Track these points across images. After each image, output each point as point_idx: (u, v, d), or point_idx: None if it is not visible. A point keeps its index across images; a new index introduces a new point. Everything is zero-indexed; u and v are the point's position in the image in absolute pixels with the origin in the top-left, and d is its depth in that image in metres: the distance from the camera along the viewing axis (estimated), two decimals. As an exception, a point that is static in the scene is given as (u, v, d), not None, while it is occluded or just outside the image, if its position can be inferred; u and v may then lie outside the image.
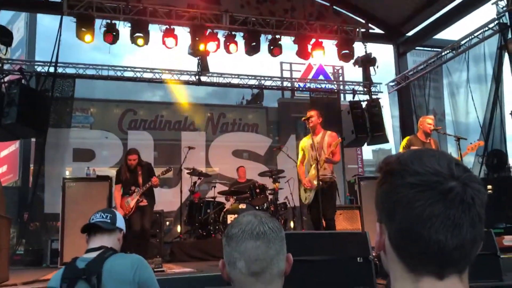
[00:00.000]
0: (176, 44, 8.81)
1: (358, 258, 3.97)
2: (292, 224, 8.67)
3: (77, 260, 2.44)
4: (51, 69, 8.66)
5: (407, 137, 6.86)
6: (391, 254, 0.88)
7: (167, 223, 9.74)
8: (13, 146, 13.25)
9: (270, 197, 8.04)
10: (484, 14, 9.00)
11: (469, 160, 8.88)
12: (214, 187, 8.63)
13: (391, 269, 0.89)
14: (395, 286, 0.89)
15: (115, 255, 2.46)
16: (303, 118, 6.24)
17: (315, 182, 5.81)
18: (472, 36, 9.09)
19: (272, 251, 1.31)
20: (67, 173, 9.73)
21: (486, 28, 8.75)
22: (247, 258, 1.29)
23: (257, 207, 7.53)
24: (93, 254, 2.43)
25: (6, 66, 8.88)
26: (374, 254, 4.04)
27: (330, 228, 5.90)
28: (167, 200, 9.59)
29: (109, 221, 2.57)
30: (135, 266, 2.40)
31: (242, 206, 7.46)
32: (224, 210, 7.74)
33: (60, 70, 9.09)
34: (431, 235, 0.79)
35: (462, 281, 0.84)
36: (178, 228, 8.59)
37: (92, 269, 2.34)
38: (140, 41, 8.43)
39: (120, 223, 2.66)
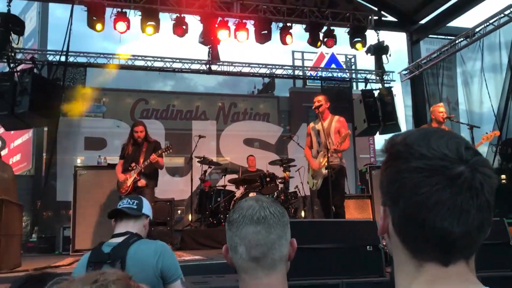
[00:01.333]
0: (186, 33, 8.78)
1: (368, 247, 3.96)
2: (303, 213, 8.66)
3: (103, 245, 2.50)
4: (63, 58, 8.70)
5: (421, 127, 6.78)
6: (395, 239, 0.84)
7: (178, 211, 9.79)
8: (27, 135, 13.39)
9: (280, 186, 8.04)
10: (499, 1, 8.81)
11: (483, 150, 8.77)
12: (225, 175, 8.64)
13: (395, 254, 0.86)
14: (398, 271, 0.86)
15: (140, 241, 2.50)
16: (313, 107, 6.19)
17: (324, 170, 5.79)
18: (487, 23, 8.90)
19: (273, 236, 1.30)
20: (79, 161, 9.80)
21: (502, 15, 8.55)
22: (247, 243, 1.28)
23: (267, 196, 7.52)
24: (119, 239, 2.48)
25: (18, 56, 8.94)
26: (384, 242, 4.02)
27: (339, 216, 5.87)
28: (178, 188, 9.63)
29: (135, 207, 2.62)
30: (158, 252, 2.43)
31: (252, 194, 7.46)
32: (234, 198, 7.76)
33: (71, 59, 9.13)
34: (436, 222, 0.76)
35: (469, 266, 0.81)
36: (189, 217, 8.64)
37: (117, 254, 2.40)
38: (150, 30, 8.42)
39: (147, 209, 2.70)
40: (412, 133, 0.85)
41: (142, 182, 6.19)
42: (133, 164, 6.19)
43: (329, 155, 5.70)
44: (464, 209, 0.76)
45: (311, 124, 6.33)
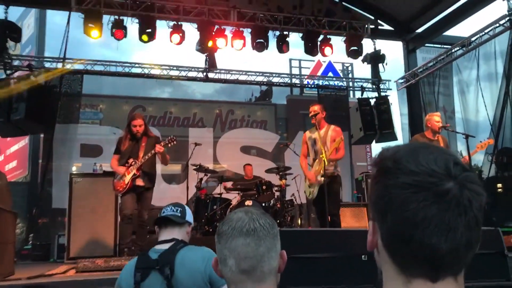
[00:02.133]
0: (183, 40, 8.80)
1: (363, 256, 3.94)
2: (299, 221, 8.64)
3: (149, 251, 2.52)
4: (59, 65, 8.70)
5: (414, 136, 6.79)
6: (383, 254, 0.84)
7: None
8: (23, 142, 13.37)
9: (276, 194, 8.02)
10: (495, 11, 8.88)
11: (479, 159, 8.79)
12: (221, 183, 8.63)
13: (384, 269, 0.86)
14: (386, 286, 0.86)
15: (187, 247, 2.53)
16: (310, 115, 6.20)
17: (319, 178, 5.82)
18: (483, 33, 8.97)
19: (262, 249, 1.29)
20: (75, 168, 9.78)
21: (497, 25, 8.62)
22: (236, 256, 1.28)
23: (263, 204, 7.51)
24: (165, 246, 2.50)
25: (15, 62, 8.94)
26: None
27: (335, 225, 5.87)
28: (174, 196, 9.59)
29: (179, 214, 2.64)
30: (206, 258, 2.44)
31: (249, 202, 7.44)
32: (231, 206, 7.73)
33: (68, 66, 9.13)
34: (424, 239, 0.76)
35: (457, 282, 0.81)
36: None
37: (165, 260, 2.41)
38: (147, 37, 8.43)
39: (189, 217, 2.72)
40: (401, 148, 0.85)
41: (140, 182, 5.75)
42: (130, 160, 5.74)
43: (324, 163, 5.71)
44: (451, 226, 0.75)
45: (307, 133, 6.34)
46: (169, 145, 5.87)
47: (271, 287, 1.32)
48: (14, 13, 10.11)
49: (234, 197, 8.31)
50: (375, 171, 0.85)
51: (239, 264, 1.28)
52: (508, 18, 8.35)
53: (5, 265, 4.62)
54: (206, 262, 2.43)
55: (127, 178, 5.67)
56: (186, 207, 2.76)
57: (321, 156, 5.81)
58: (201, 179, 8.39)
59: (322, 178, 5.76)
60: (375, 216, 0.85)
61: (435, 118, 6.40)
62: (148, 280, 2.37)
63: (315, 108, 6.13)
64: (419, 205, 0.75)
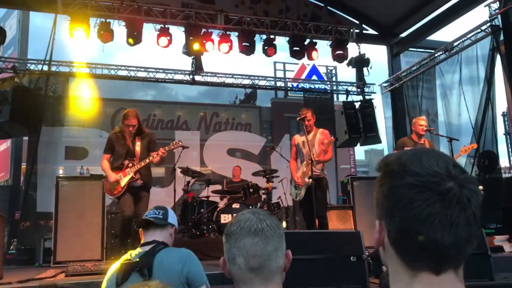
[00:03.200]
0: (170, 43, 8.80)
1: (351, 257, 4.01)
2: (285, 224, 8.68)
3: (132, 253, 2.61)
4: (45, 68, 8.62)
5: (401, 139, 6.93)
6: (390, 251, 0.91)
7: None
8: (5, 144, 13.16)
9: (263, 196, 8.06)
10: (477, 16, 9.10)
11: (461, 161, 8.95)
12: (208, 186, 8.64)
13: (390, 265, 0.92)
14: (394, 281, 0.92)
15: (166, 249, 2.61)
16: (298, 118, 6.28)
17: (307, 179, 5.95)
18: (465, 38, 9.17)
19: (270, 247, 1.35)
20: (60, 171, 9.68)
21: (479, 30, 8.83)
22: (245, 254, 1.33)
23: (250, 207, 7.55)
24: (146, 248, 2.60)
25: (-2, 64, 8.84)
26: (367, 253, 4.09)
27: (323, 226, 5.96)
28: (160, 199, 9.58)
29: (161, 217, 2.73)
30: (183, 260, 2.55)
31: (236, 205, 7.48)
32: (218, 209, 7.75)
33: (53, 68, 9.05)
34: (429, 234, 0.83)
35: (458, 275, 0.88)
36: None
37: (144, 261, 2.51)
38: (134, 40, 8.41)
39: (172, 219, 2.81)
40: (404, 153, 0.93)
41: (139, 181, 5.56)
42: (126, 162, 5.50)
43: (312, 166, 5.79)
44: (454, 222, 0.83)
45: (297, 136, 6.51)
46: (174, 149, 5.78)
47: (277, 285, 1.37)
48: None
49: (221, 200, 8.34)
50: (381, 175, 0.93)
51: (248, 262, 1.32)
52: (489, 24, 8.56)
53: (-7, 269, 4.58)
54: (183, 262, 2.53)
55: (123, 181, 5.47)
56: (169, 210, 2.85)
57: (308, 159, 5.90)
58: (189, 182, 8.39)
59: (310, 180, 5.87)
60: (382, 215, 0.91)
61: (419, 122, 6.58)
62: (128, 281, 2.45)
63: (307, 114, 6.27)
64: (424, 203, 0.83)
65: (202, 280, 2.58)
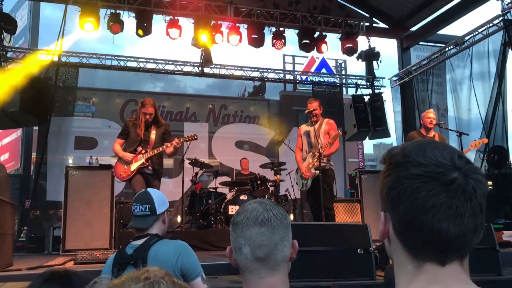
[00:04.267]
0: (180, 35, 8.82)
1: (358, 250, 4.02)
2: (292, 217, 8.71)
3: (126, 246, 2.60)
4: (55, 58, 8.66)
5: (410, 133, 6.89)
6: (395, 242, 0.91)
7: (168, 213, 9.79)
8: (15, 134, 13.28)
9: (271, 189, 8.09)
10: (488, 10, 8.99)
11: (471, 157, 8.90)
12: (216, 178, 8.68)
13: (395, 256, 0.92)
14: (398, 272, 0.92)
15: (160, 241, 2.58)
16: (307, 111, 6.27)
17: (313, 171, 5.94)
18: (476, 32, 9.07)
19: (276, 237, 1.35)
20: (70, 161, 9.76)
21: (491, 25, 8.72)
22: (252, 244, 1.33)
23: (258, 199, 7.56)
24: (141, 241, 2.58)
25: (9, 54, 8.88)
26: (374, 246, 4.09)
27: (329, 218, 5.95)
28: (169, 190, 9.63)
29: (148, 213, 2.64)
30: (178, 252, 2.52)
31: (243, 197, 7.51)
32: (226, 200, 7.79)
33: (63, 59, 9.10)
34: (434, 224, 0.82)
35: (463, 267, 0.88)
36: (179, 218, 8.64)
37: (139, 255, 2.50)
38: (144, 32, 8.43)
39: (161, 206, 2.70)
40: (408, 144, 0.92)
41: (150, 169, 5.56)
42: (139, 148, 5.53)
43: (321, 156, 5.80)
44: (459, 212, 0.82)
45: (303, 126, 6.47)
46: (189, 142, 5.78)
47: (283, 274, 1.38)
48: (8, 4, 10.06)
49: (229, 192, 8.37)
50: (385, 166, 0.93)
51: (254, 252, 1.33)
52: (501, 18, 8.45)
53: (4, 256, 4.64)
54: (177, 255, 2.50)
55: (134, 166, 5.49)
56: (154, 196, 2.71)
57: (315, 150, 5.90)
58: (197, 173, 8.43)
59: (317, 171, 5.85)
60: (386, 206, 0.91)
61: (427, 115, 6.48)
62: (124, 274, 2.43)
63: (314, 104, 6.24)
64: (428, 193, 0.83)
65: (197, 272, 2.56)
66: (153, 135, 5.57)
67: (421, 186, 0.83)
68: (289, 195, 8.47)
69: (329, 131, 6.10)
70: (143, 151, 5.50)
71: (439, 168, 0.84)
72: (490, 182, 8.27)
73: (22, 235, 8.53)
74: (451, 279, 0.85)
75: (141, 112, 5.55)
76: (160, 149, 5.47)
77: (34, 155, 10.20)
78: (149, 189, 2.80)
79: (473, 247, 0.87)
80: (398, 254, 0.91)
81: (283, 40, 9.37)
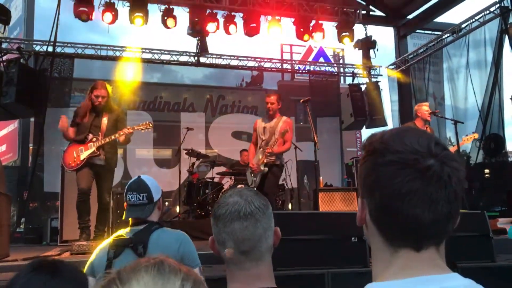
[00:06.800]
0: (175, 25, 8.76)
1: (353, 238, 4.04)
2: (290, 206, 8.74)
3: (125, 231, 2.57)
4: (50, 49, 8.61)
5: (405, 124, 6.90)
6: (372, 228, 0.92)
7: (166, 203, 9.82)
8: (12, 125, 13.25)
9: (268, 178, 8.09)
10: (485, -3, 8.93)
11: (467, 146, 8.92)
12: (213, 168, 8.68)
13: (372, 242, 0.94)
14: (375, 258, 0.93)
15: (162, 228, 2.59)
16: (302, 100, 6.28)
17: (262, 167, 5.89)
18: (473, 20, 9.04)
19: (259, 230, 1.34)
20: (66, 152, 9.74)
21: (487, 12, 8.70)
22: (235, 239, 1.32)
23: (255, 188, 7.58)
24: (140, 226, 2.56)
25: (4, 45, 8.84)
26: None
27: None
28: (166, 180, 9.64)
29: (146, 201, 2.60)
30: (180, 240, 2.54)
31: (240, 187, 7.51)
32: (223, 190, 7.81)
33: (58, 49, 9.05)
34: (409, 210, 0.83)
35: (439, 252, 0.89)
36: (177, 208, 8.66)
37: (139, 238, 2.48)
38: (139, 21, 8.37)
39: (157, 193, 2.67)
40: (387, 131, 0.93)
41: (99, 160, 5.24)
42: (90, 136, 5.19)
43: (271, 154, 5.84)
44: (433, 198, 0.83)
45: (259, 121, 6.33)
46: (143, 130, 5.42)
47: (268, 263, 1.38)
48: (2, -5, 9.97)
49: (226, 182, 8.38)
50: (364, 153, 0.93)
51: (239, 247, 1.32)
52: (498, 5, 8.42)
53: (0, 247, 4.66)
54: (179, 243, 2.52)
55: (84, 155, 5.14)
56: (149, 183, 2.65)
57: (267, 146, 5.89)
58: (193, 163, 8.43)
59: (265, 168, 5.86)
60: (364, 193, 0.92)
61: (424, 108, 6.54)
62: (121, 256, 2.42)
63: (272, 98, 6.14)
64: (404, 179, 0.83)
65: (196, 263, 2.57)
66: (104, 121, 5.22)
67: (397, 172, 0.84)
68: (286, 185, 8.48)
69: (282, 132, 5.91)
70: (94, 139, 5.18)
71: (415, 155, 0.84)
72: (486, 170, 8.29)
73: (20, 226, 8.56)
74: (426, 264, 0.86)
75: (92, 95, 5.21)
76: (112, 137, 5.14)
77: (31, 146, 10.19)
78: (143, 176, 2.71)
79: (449, 234, 0.88)
80: (374, 240, 0.92)
81: (279, 29, 9.30)
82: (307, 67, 11.98)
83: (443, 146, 0.87)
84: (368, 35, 10.19)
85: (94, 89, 5.23)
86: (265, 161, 5.86)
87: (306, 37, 9.58)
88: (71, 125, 5.35)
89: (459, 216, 0.88)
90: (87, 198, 5.22)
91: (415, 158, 0.84)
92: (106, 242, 2.55)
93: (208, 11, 8.93)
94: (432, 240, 0.87)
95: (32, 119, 9.60)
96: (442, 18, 10.61)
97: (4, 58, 8.59)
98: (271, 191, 6.06)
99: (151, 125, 5.47)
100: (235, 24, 9.13)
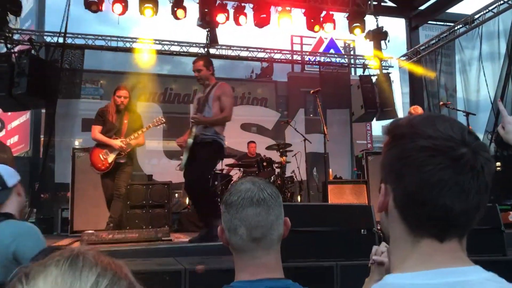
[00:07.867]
0: (185, 16, 8.75)
1: (362, 230, 4.03)
2: (299, 198, 8.73)
3: None
4: (60, 40, 8.64)
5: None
6: (394, 216, 0.89)
7: (176, 194, 9.85)
8: (24, 117, 13.38)
9: (277, 170, 8.09)
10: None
11: (479, 137, 8.81)
12: (222, 160, 8.68)
13: (392, 230, 0.91)
14: (394, 247, 0.91)
15: (5, 221, 2.35)
16: (312, 92, 6.22)
17: (190, 140, 4.91)
18: (486, 10, 8.90)
19: (272, 217, 1.35)
20: (77, 143, 9.81)
21: (502, 2, 8.54)
22: (248, 225, 1.33)
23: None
24: None
25: (15, 36, 8.88)
26: (378, 227, 4.10)
27: (191, 194, 5.41)
28: (176, 172, 9.65)
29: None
30: (16, 233, 2.29)
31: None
32: (232, 182, 7.81)
33: (69, 41, 9.07)
34: (439, 200, 0.81)
35: (461, 245, 0.86)
36: (186, 200, 8.69)
37: None
38: (149, 12, 8.37)
39: (11, 179, 2.46)
40: (416, 116, 0.90)
41: (121, 159, 5.52)
42: (114, 138, 5.46)
43: (195, 126, 4.99)
44: (465, 189, 0.81)
45: (198, 93, 5.59)
46: (157, 126, 5.77)
47: (277, 252, 1.39)
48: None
49: (235, 173, 8.39)
50: (389, 138, 0.90)
51: (251, 233, 1.33)
52: (512, -5, 8.28)
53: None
54: (14, 237, 2.27)
55: (110, 158, 5.44)
56: (2, 170, 2.45)
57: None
58: (203, 155, 8.43)
59: (189, 140, 4.92)
60: (388, 178, 0.90)
61: (419, 111, 6.51)
62: None
63: (197, 64, 5.22)
64: (435, 168, 0.81)
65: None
66: (125, 124, 5.52)
67: (429, 159, 0.81)
68: (295, 177, 8.47)
69: (221, 96, 5.03)
70: (119, 141, 5.45)
71: (449, 142, 0.82)
72: (498, 163, 8.20)
73: (32, 217, 8.64)
74: (448, 256, 0.84)
75: (116, 95, 5.52)
76: (136, 134, 5.48)
77: (42, 137, 10.27)
78: None
79: (473, 226, 0.86)
80: (395, 228, 0.89)
81: (289, 20, 9.23)
82: (318, 59, 11.90)
83: (475, 135, 0.85)
84: (379, 26, 10.08)
85: (117, 90, 5.58)
86: (192, 134, 4.90)
87: (316, 28, 9.52)
88: (97, 123, 5.62)
89: (486, 208, 0.85)
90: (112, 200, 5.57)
91: (449, 145, 0.81)
92: None
93: (218, 2, 8.89)
94: (457, 232, 0.85)
95: (43, 110, 9.67)
96: (455, 9, 10.46)
97: (16, 49, 8.63)
98: (192, 174, 4.92)
99: (163, 120, 5.82)
100: (245, 15, 9.09)
